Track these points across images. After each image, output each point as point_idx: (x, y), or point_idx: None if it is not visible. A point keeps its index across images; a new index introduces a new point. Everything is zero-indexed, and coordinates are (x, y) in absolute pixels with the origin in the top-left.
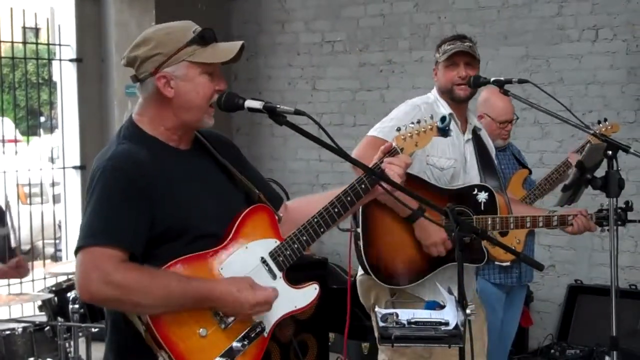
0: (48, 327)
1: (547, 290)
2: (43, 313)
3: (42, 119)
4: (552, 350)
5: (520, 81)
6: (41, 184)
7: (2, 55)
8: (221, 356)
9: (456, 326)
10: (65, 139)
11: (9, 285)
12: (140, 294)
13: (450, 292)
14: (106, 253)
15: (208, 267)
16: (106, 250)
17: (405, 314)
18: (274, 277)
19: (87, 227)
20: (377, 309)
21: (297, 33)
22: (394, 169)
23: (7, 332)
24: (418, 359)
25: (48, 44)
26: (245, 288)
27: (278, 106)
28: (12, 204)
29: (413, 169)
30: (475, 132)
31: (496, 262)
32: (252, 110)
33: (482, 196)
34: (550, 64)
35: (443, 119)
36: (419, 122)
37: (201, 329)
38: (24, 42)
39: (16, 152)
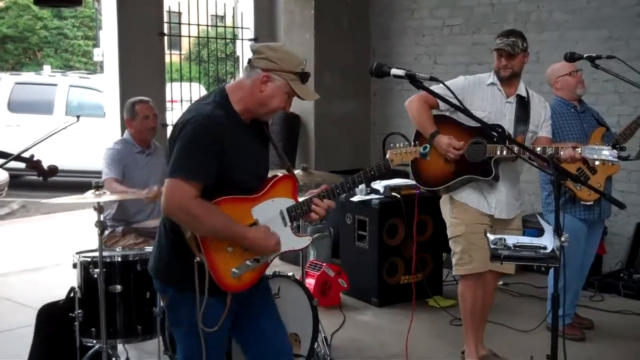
0: None
1: (620, 226)
2: None
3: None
4: (621, 274)
5: (609, 57)
6: None
7: (199, 35)
8: (236, 268)
9: (552, 250)
10: None
11: None
12: (197, 223)
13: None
14: (186, 186)
15: (245, 207)
16: (186, 184)
17: (510, 240)
18: (285, 224)
19: (178, 161)
20: (488, 234)
21: (423, 19)
22: (318, 210)
23: None
24: (470, 245)
25: (233, 27)
26: (267, 237)
27: (417, 74)
28: None
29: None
30: (521, 98)
31: (581, 202)
32: (396, 76)
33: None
34: (630, 44)
35: (425, 147)
36: (408, 145)
37: (229, 247)
38: (215, 26)
39: None
